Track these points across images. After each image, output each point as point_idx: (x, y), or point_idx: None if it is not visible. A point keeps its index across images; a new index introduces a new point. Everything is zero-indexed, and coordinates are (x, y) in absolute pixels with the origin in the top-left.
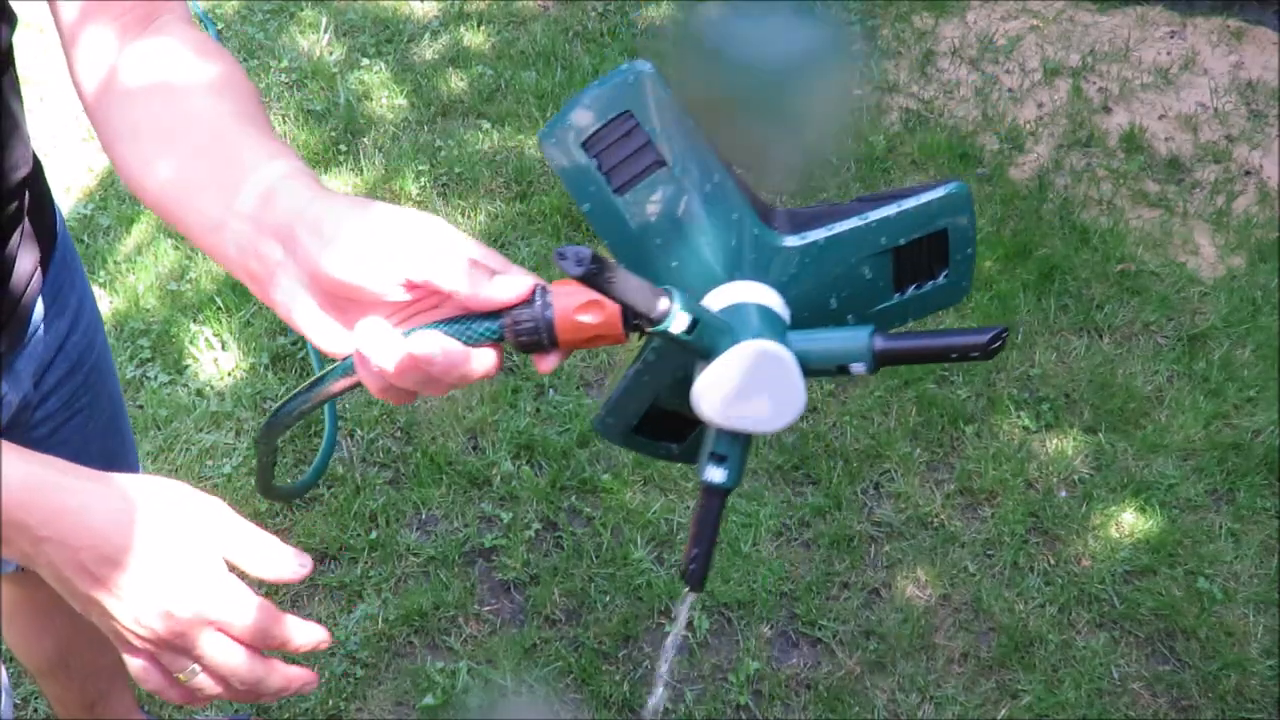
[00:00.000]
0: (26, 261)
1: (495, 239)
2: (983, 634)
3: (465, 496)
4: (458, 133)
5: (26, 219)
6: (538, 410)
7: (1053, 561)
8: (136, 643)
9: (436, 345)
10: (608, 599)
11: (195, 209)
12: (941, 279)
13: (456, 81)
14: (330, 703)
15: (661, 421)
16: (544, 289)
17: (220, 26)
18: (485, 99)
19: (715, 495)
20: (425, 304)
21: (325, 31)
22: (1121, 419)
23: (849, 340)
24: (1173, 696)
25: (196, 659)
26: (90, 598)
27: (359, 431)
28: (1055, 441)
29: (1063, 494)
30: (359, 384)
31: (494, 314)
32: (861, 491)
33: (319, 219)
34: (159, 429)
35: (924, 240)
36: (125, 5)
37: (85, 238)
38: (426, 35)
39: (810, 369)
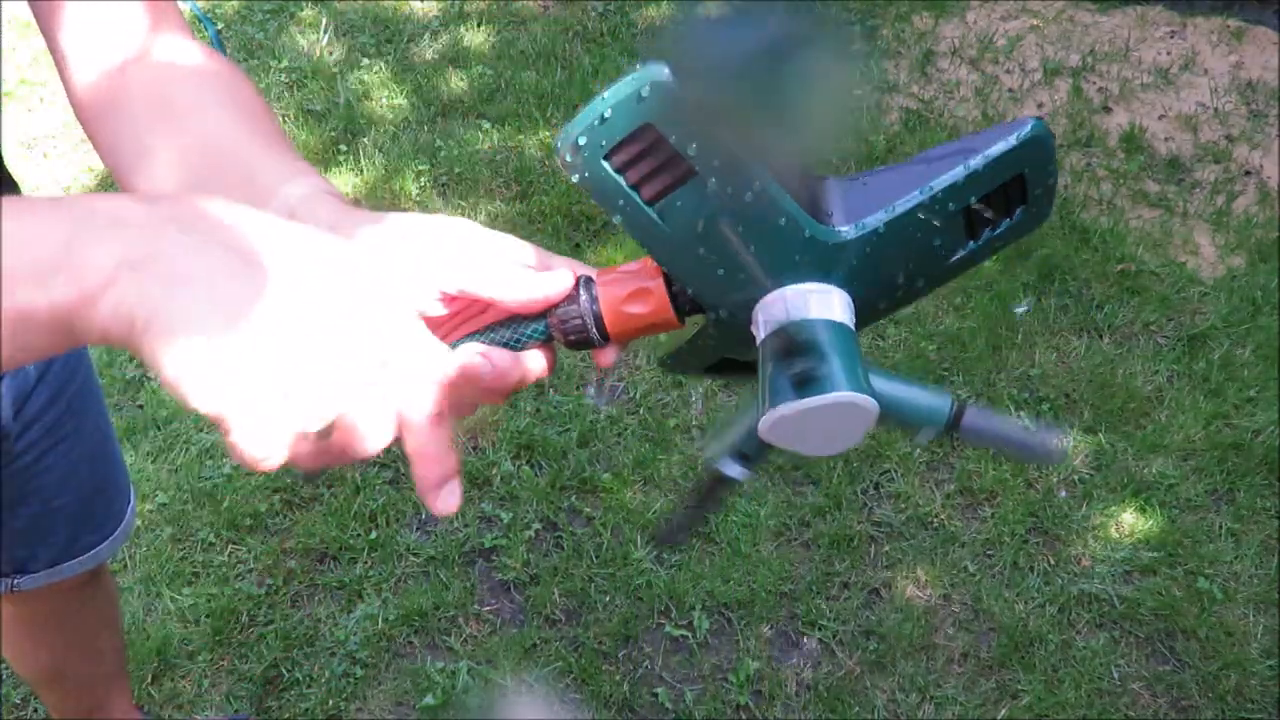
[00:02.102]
0: None
1: None
2: (983, 634)
3: (465, 496)
4: (458, 133)
5: None
6: (538, 410)
7: (1053, 561)
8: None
9: (480, 358)
10: (608, 599)
11: None
12: (1018, 215)
13: (456, 81)
14: (330, 703)
15: (734, 365)
16: (588, 280)
17: (220, 26)
18: (485, 99)
19: (726, 485)
20: (468, 312)
21: (325, 31)
22: (1121, 419)
23: (929, 407)
24: (1173, 696)
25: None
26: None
27: None
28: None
29: (1063, 494)
30: None
31: (540, 314)
32: (861, 491)
33: (352, 234)
34: (159, 429)
35: (998, 189)
36: (119, 17)
37: None
38: (426, 35)
39: (887, 418)
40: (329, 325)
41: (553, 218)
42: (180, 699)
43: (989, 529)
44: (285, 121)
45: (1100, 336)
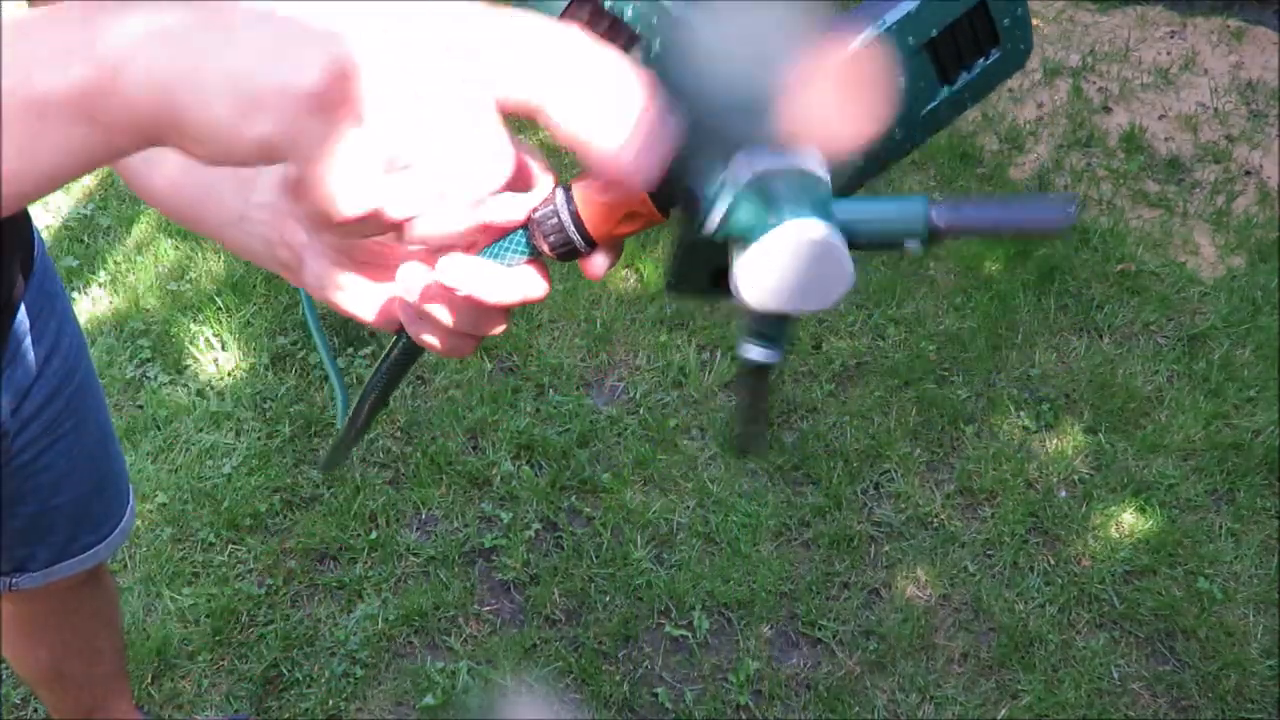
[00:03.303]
0: (7, 279)
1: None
2: (983, 634)
3: (465, 496)
4: None
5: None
6: (538, 410)
7: (1053, 561)
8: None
9: (463, 264)
10: (608, 599)
11: (213, 205)
12: (994, 55)
13: None
14: (330, 703)
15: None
16: (566, 188)
17: None
18: None
19: (760, 372)
20: (459, 247)
21: None
22: (1121, 419)
23: (901, 214)
24: (1173, 696)
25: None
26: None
27: None
28: (1055, 441)
29: (1063, 494)
30: (420, 349)
31: (521, 228)
32: (861, 491)
33: None
34: (159, 429)
35: (962, 22)
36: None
37: (85, 238)
38: None
39: (862, 244)
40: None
41: None
42: (180, 699)
43: (989, 529)
44: None
45: (1100, 336)
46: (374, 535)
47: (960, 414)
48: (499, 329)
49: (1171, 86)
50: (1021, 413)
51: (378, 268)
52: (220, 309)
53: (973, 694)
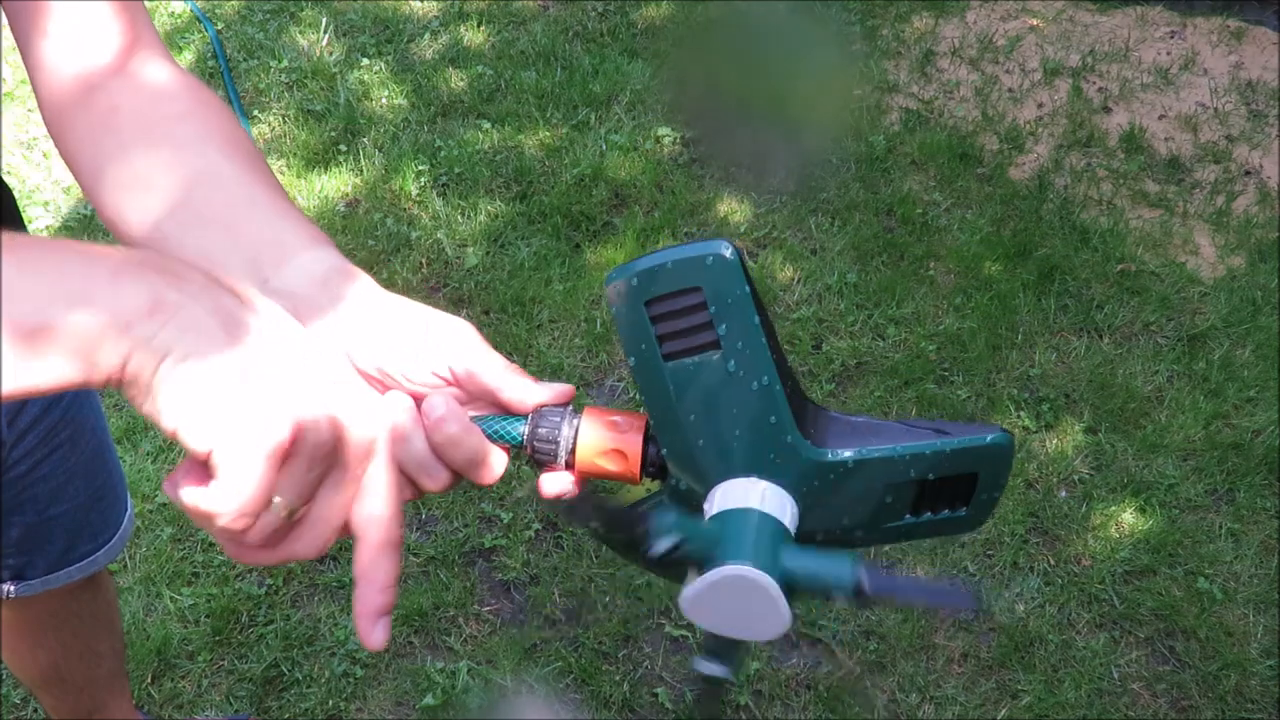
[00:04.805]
0: None
1: (495, 239)
2: (983, 634)
3: (465, 496)
4: (458, 132)
5: None
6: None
7: (1053, 561)
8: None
9: (455, 413)
10: (608, 599)
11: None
12: (961, 512)
13: (456, 81)
14: (330, 703)
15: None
16: (576, 414)
17: (220, 26)
18: (485, 99)
19: (715, 684)
20: (457, 399)
21: (325, 31)
22: (1121, 419)
23: (836, 574)
24: (1173, 696)
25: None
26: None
27: None
28: (1055, 441)
29: (1063, 494)
30: None
31: (520, 420)
32: None
33: (373, 304)
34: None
35: (953, 477)
36: (98, 27)
37: (85, 238)
38: (426, 35)
39: (800, 591)
40: (303, 375)
41: (552, 217)
42: (180, 699)
43: (989, 529)
44: (285, 122)
45: (1100, 336)
46: None
47: (960, 414)
48: (444, 484)
49: (1171, 86)
50: (1021, 413)
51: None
52: None
53: (973, 694)
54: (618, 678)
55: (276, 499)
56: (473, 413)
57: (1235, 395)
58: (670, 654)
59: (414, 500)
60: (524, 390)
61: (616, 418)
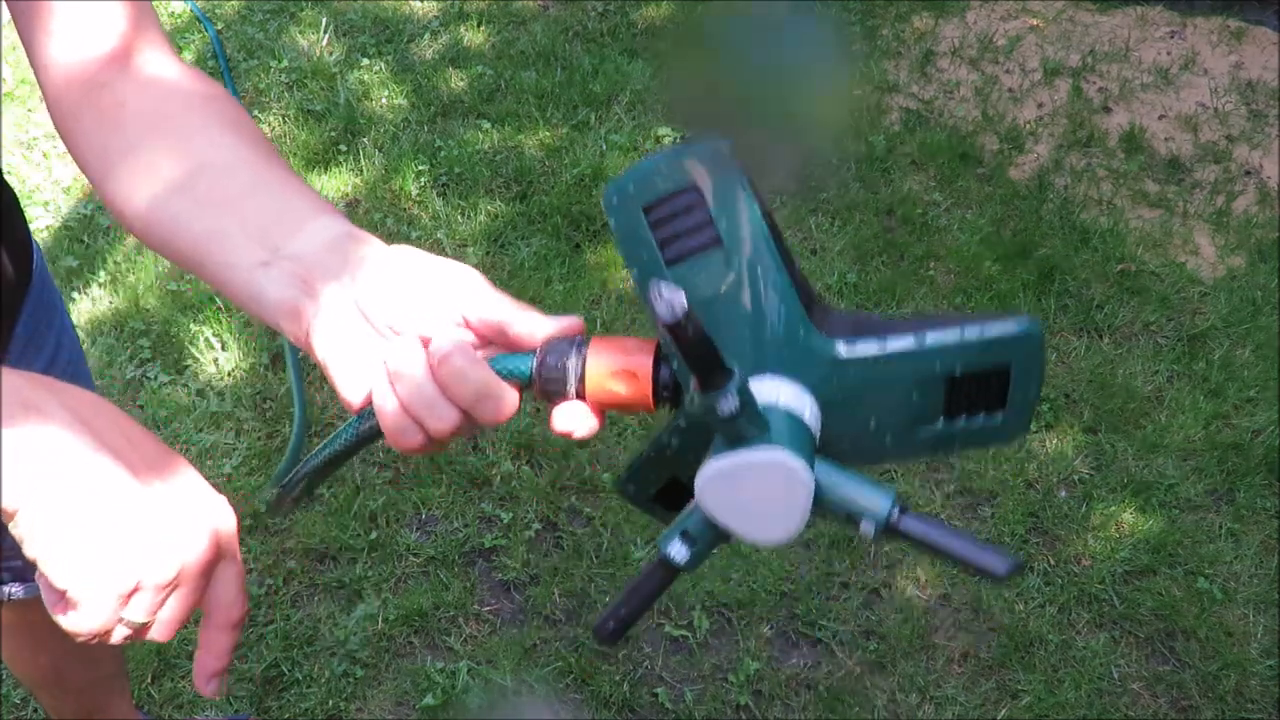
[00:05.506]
0: (7, 278)
1: (495, 239)
2: (983, 634)
3: (465, 496)
4: (458, 132)
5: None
6: (538, 410)
7: (1053, 561)
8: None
9: (461, 348)
10: (608, 599)
11: (216, 247)
12: (997, 418)
13: (456, 81)
14: (330, 703)
15: (684, 494)
16: (583, 342)
17: (220, 26)
18: (485, 99)
19: (668, 570)
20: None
21: (325, 31)
22: (1121, 419)
23: (872, 499)
24: (1173, 696)
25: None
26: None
27: None
28: (1055, 441)
29: (1063, 494)
30: (378, 438)
31: (528, 355)
32: None
33: (382, 260)
34: (159, 429)
35: (983, 373)
36: (102, 22)
37: (85, 238)
38: (426, 35)
39: (823, 508)
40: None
41: (552, 217)
42: (180, 699)
43: (989, 529)
44: (285, 122)
45: (1100, 336)
46: (374, 535)
47: None
48: (451, 426)
49: (1171, 86)
50: None
51: None
52: (220, 309)
53: (973, 694)
54: (618, 678)
55: (125, 619)
56: (483, 355)
57: (1235, 395)
58: (670, 654)
59: (424, 453)
60: (532, 322)
61: (626, 342)
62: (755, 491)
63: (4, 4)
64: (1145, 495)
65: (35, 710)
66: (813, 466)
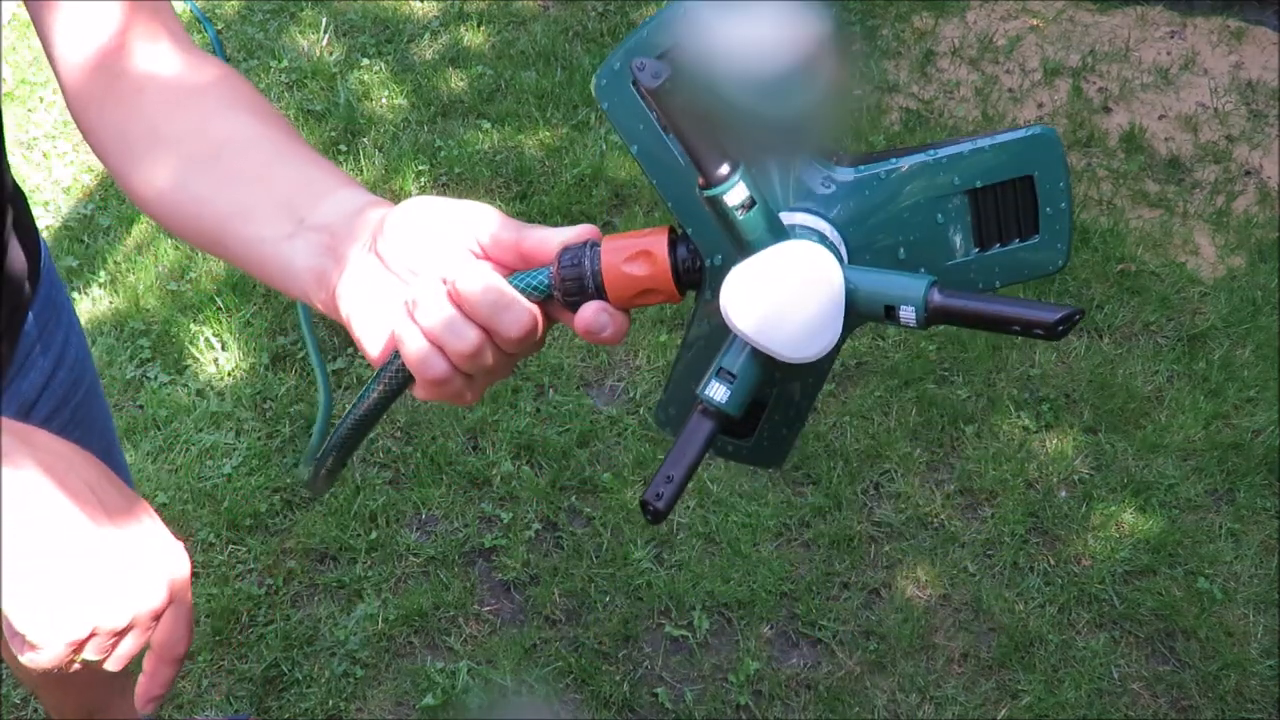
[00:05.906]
0: (17, 273)
1: None
2: (983, 634)
3: (465, 496)
4: (458, 133)
5: (14, 238)
6: (538, 410)
7: (1053, 561)
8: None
9: (477, 266)
10: (608, 599)
11: (239, 222)
12: (1032, 240)
13: (456, 81)
14: (330, 703)
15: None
16: (594, 243)
17: (220, 26)
18: (485, 99)
19: (709, 418)
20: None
21: (325, 31)
22: (1121, 419)
23: (906, 283)
24: (1173, 696)
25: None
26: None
27: None
28: (1055, 441)
29: (1063, 494)
30: (405, 385)
31: (546, 269)
32: (861, 491)
33: (398, 212)
34: (159, 429)
35: (1007, 188)
36: (116, 11)
37: (85, 238)
38: (426, 35)
39: (858, 308)
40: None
41: (553, 218)
42: (180, 699)
43: (989, 529)
44: None
45: (1100, 336)
46: (374, 535)
47: (960, 414)
48: (485, 366)
49: (1171, 86)
50: (1021, 413)
51: None
52: (220, 309)
53: (973, 694)
54: (618, 678)
55: (80, 659)
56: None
57: (1235, 395)
58: (670, 654)
59: (449, 393)
60: (544, 234)
61: (639, 232)
62: (784, 297)
63: (4, 4)
64: (1145, 495)
65: (35, 710)
66: (843, 265)
